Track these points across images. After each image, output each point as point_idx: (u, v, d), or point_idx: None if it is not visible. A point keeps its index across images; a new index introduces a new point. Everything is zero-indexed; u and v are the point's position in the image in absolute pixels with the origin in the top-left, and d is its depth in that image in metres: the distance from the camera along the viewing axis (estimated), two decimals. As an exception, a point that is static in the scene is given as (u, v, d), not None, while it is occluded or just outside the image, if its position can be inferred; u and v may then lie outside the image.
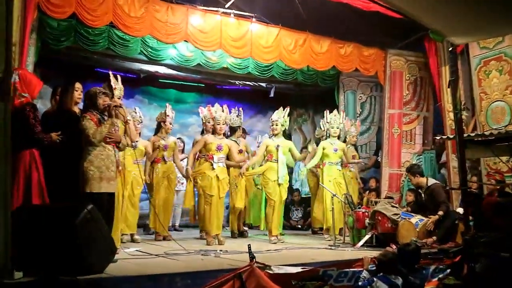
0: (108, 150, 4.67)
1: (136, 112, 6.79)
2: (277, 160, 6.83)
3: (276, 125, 6.99)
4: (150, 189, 6.93)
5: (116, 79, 5.43)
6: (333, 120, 7.67)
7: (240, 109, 7.52)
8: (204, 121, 7.05)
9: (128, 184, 5.98)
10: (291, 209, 9.61)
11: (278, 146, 6.88)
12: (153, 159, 7.03)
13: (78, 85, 5.09)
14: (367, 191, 8.59)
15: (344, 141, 8.10)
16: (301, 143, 10.90)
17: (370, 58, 8.94)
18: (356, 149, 8.33)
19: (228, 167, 6.89)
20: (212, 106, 7.08)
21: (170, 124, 7.10)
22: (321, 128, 8.29)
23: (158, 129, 7.20)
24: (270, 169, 6.87)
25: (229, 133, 7.36)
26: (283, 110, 7.08)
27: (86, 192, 4.49)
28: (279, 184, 6.83)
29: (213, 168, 6.47)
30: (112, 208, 4.71)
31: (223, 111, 6.85)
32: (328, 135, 7.73)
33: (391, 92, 9.07)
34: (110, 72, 5.44)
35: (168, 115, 7.05)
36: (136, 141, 6.19)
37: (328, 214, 7.25)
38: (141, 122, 6.96)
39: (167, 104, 7.21)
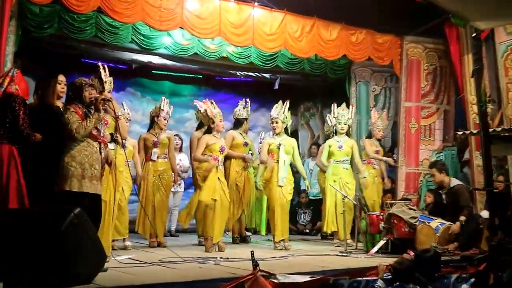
0: (93, 147, 4.64)
1: (124, 108, 6.76)
2: (278, 160, 6.86)
3: (277, 122, 7.01)
4: (141, 191, 6.90)
5: (105, 70, 5.41)
6: (340, 115, 7.66)
7: (248, 100, 7.54)
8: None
9: (119, 186, 5.97)
10: (298, 212, 9.60)
11: (280, 144, 6.88)
12: (144, 157, 7.03)
13: (61, 78, 5.08)
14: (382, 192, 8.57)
15: (370, 136, 8.15)
16: (309, 139, 10.88)
17: (385, 46, 8.91)
18: (381, 144, 8.30)
19: (228, 158, 6.98)
20: (210, 99, 7.06)
21: (165, 119, 7.08)
22: (328, 124, 8.28)
23: (151, 125, 7.17)
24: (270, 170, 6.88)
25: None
26: (282, 104, 7.08)
27: (65, 190, 4.44)
28: (279, 186, 6.84)
29: (217, 171, 6.50)
30: (97, 212, 4.67)
31: (214, 108, 6.85)
32: (334, 132, 7.73)
33: (407, 83, 9.04)
34: (100, 64, 5.41)
35: (162, 109, 7.03)
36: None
37: (330, 216, 7.30)
38: (129, 120, 6.93)
39: (162, 98, 7.18)
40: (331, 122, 8.02)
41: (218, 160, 6.57)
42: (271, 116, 7.15)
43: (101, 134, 4.79)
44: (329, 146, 7.61)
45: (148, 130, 7.19)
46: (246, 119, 7.52)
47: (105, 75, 5.37)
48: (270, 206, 6.98)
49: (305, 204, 9.68)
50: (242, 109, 7.46)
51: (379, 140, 8.20)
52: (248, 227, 8.41)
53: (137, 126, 8.97)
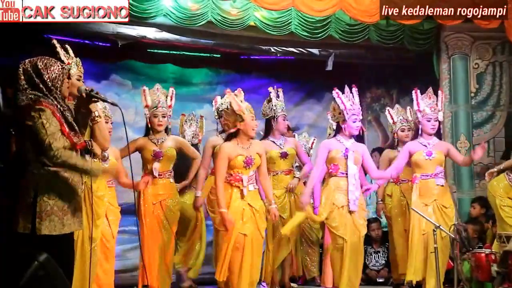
0: None
1: (106, 106, 6.69)
2: (346, 174, 6.77)
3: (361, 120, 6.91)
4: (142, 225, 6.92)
5: (66, 51, 5.39)
6: (427, 104, 7.50)
7: (275, 88, 7.46)
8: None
9: (99, 219, 5.98)
10: (367, 251, 9.48)
11: (347, 150, 6.79)
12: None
13: None
14: (490, 220, 8.48)
15: None
16: (380, 142, 10.78)
17: (491, -1, 8.82)
18: None
19: None
20: (233, 88, 7.03)
21: (164, 116, 6.95)
22: (390, 121, 8.15)
23: (149, 130, 7.10)
24: (335, 189, 6.81)
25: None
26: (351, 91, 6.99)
27: (43, 235, 4.24)
28: (350, 212, 6.75)
29: (243, 196, 6.39)
30: (73, 257, 4.65)
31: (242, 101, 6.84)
32: (419, 131, 7.58)
33: (529, 55, 9.00)
34: (54, 41, 5.41)
35: (147, 106, 6.90)
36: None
37: (417, 257, 7.11)
38: (111, 122, 6.83)
39: (143, 88, 6.95)
40: (393, 118, 7.92)
41: (242, 180, 6.43)
42: (345, 107, 6.91)
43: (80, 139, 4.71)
44: (410, 154, 7.40)
45: (146, 135, 7.11)
46: (274, 117, 7.42)
47: (66, 56, 5.35)
48: (334, 243, 6.83)
49: (377, 240, 9.57)
50: (266, 104, 7.42)
51: None
52: (295, 275, 8.36)
53: (129, 132, 8.99)
